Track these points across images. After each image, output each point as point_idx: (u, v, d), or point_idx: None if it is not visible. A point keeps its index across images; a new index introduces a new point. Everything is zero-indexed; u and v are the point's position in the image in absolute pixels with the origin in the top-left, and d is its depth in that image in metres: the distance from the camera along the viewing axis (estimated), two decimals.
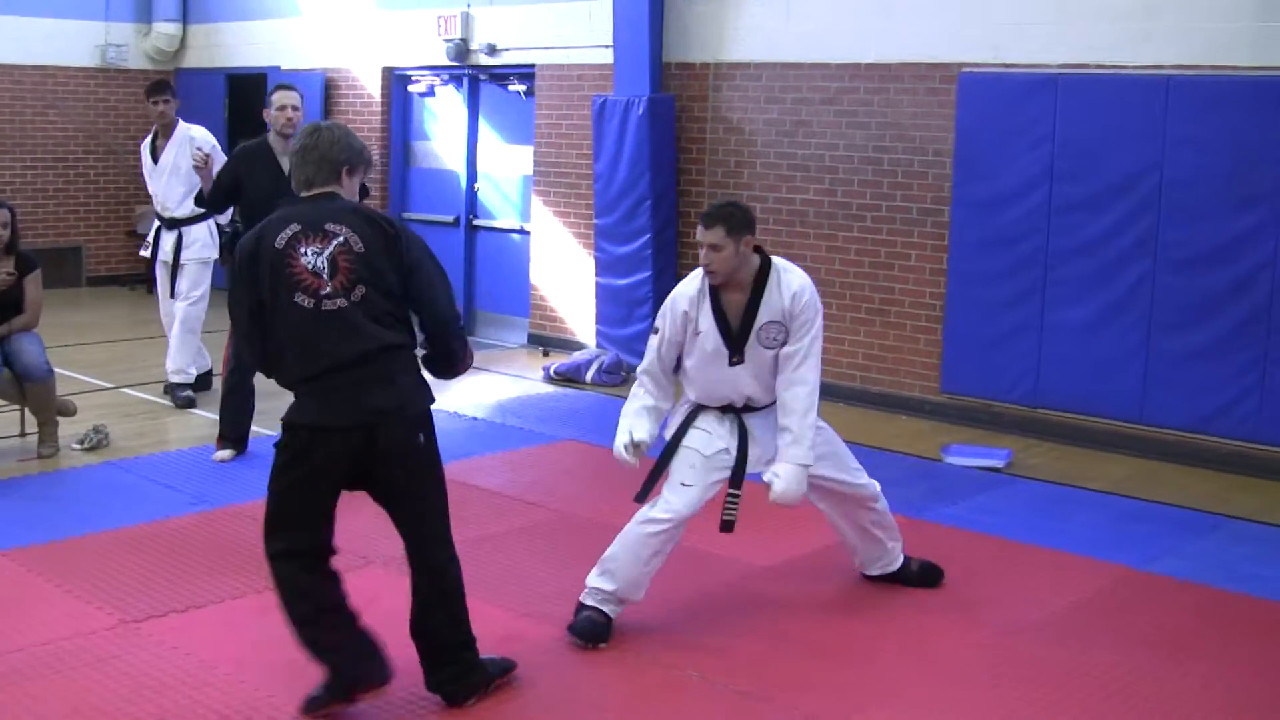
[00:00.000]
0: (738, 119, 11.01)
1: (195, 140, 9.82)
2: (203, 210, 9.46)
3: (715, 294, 5.69)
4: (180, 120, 10.13)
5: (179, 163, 9.86)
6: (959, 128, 9.67)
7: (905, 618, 6.06)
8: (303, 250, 4.69)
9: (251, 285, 4.74)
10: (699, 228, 5.64)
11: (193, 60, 16.14)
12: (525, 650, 5.51)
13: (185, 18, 16.00)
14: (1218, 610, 6.27)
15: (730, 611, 6.13)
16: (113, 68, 15.64)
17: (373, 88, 13.89)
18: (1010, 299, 9.51)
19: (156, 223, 10.11)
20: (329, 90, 14.20)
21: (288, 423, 4.78)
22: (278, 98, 8.30)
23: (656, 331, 5.82)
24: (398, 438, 4.78)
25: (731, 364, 5.71)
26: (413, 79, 13.76)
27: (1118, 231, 9.00)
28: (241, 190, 8.25)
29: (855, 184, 10.31)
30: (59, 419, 8.58)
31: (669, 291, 5.88)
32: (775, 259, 5.76)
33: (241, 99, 15.19)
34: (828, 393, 10.39)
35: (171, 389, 10.05)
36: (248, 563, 6.43)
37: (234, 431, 8.43)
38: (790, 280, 5.68)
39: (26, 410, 8.64)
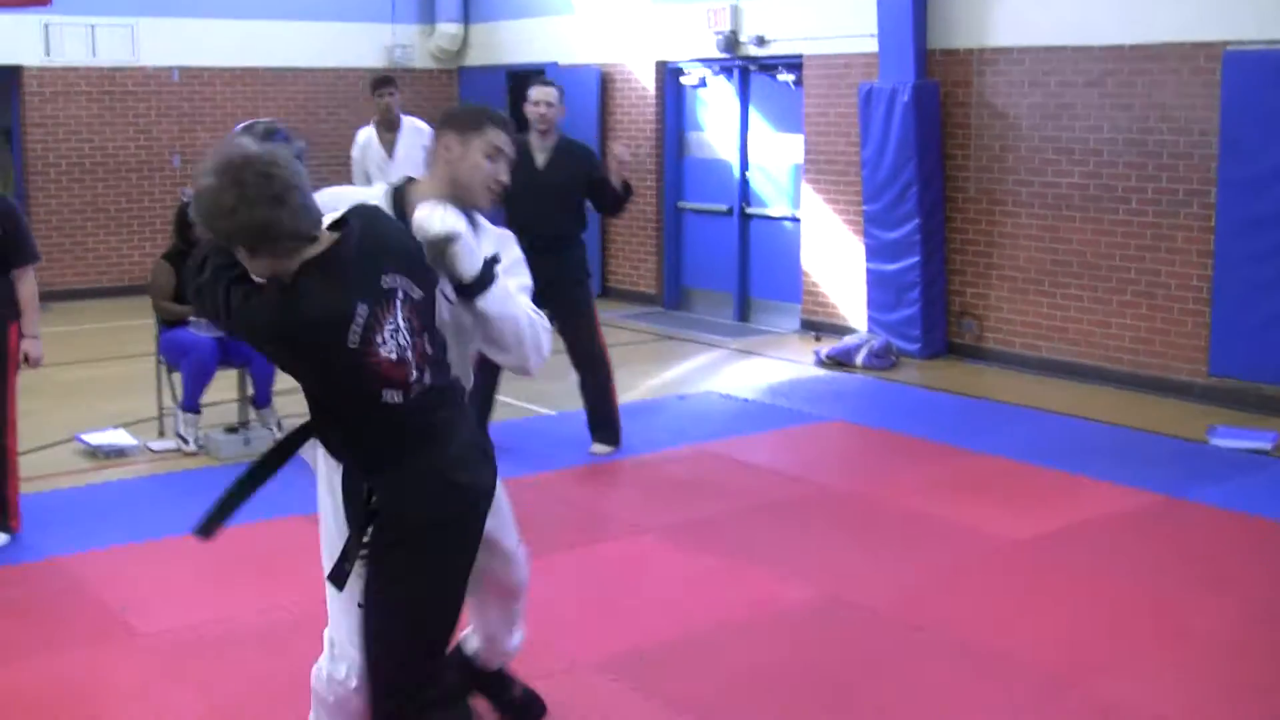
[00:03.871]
0: (1001, 104, 11.12)
1: (423, 132, 10.42)
2: None
3: None
4: (400, 113, 10.65)
5: (411, 154, 10.32)
6: (1224, 107, 9.58)
7: (1158, 590, 6.16)
8: (379, 338, 3.38)
9: (310, 366, 3.49)
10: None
11: (474, 58, 16.88)
12: (779, 612, 5.87)
13: (466, 18, 16.76)
14: None
15: (975, 580, 6.34)
16: (400, 67, 16.40)
17: (646, 80, 14.35)
18: None
19: None
20: (605, 84, 14.73)
21: (397, 513, 3.62)
22: (534, 93, 8.46)
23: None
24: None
25: None
26: (684, 71, 14.15)
27: None
28: None
29: (1120, 166, 10.33)
30: None
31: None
32: None
33: (521, 94, 15.66)
34: (1096, 376, 10.53)
35: None
36: (549, 530, 6.73)
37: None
38: None
39: None
